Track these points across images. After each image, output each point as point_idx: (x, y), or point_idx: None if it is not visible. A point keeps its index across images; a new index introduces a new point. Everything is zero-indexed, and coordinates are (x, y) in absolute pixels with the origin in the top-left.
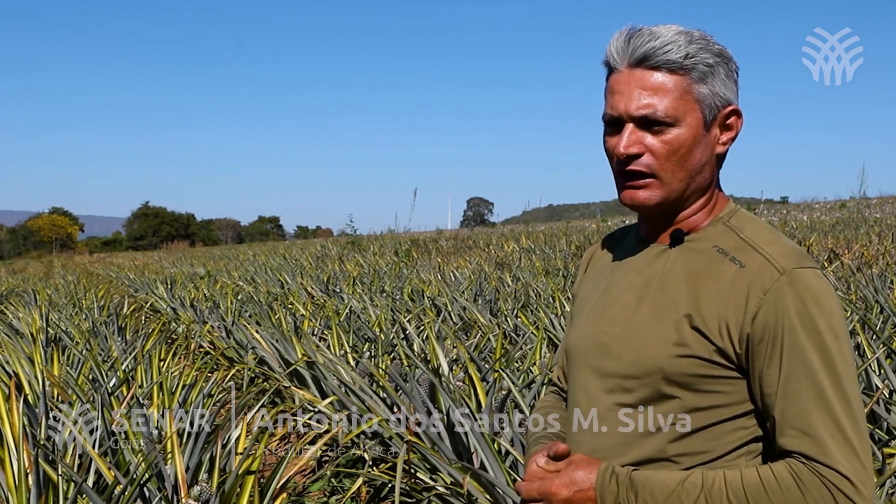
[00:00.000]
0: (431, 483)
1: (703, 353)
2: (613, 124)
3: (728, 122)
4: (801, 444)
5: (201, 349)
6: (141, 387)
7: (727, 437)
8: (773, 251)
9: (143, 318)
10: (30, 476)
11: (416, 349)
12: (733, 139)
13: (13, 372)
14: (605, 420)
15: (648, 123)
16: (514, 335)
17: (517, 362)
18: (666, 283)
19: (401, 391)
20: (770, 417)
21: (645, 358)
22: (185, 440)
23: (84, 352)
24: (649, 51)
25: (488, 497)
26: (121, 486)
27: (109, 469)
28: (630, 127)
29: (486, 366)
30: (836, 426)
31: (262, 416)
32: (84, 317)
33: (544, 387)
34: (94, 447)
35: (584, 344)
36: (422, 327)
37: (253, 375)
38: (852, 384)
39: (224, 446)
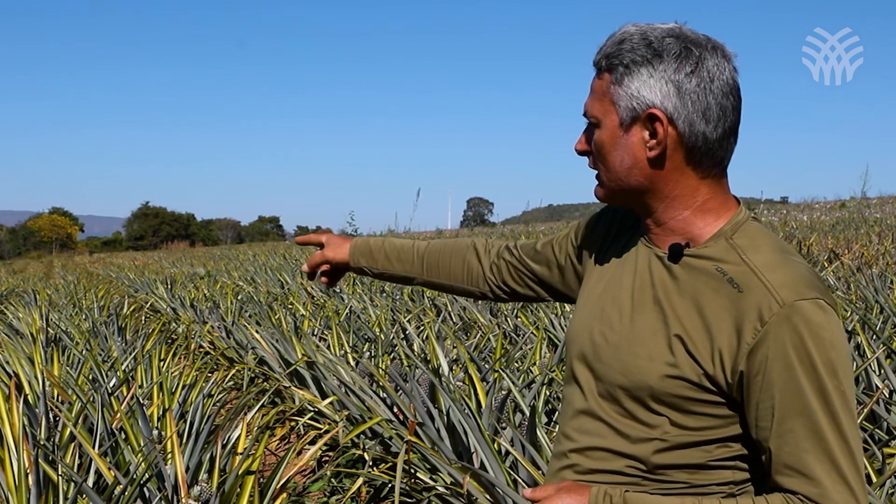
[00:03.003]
0: (431, 483)
1: (692, 376)
2: None
3: (654, 125)
4: (797, 483)
5: (201, 349)
6: (141, 387)
7: (712, 454)
8: (775, 279)
9: (143, 318)
10: (30, 476)
11: (416, 349)
12: (660, 145)
13: (13, 372)
14: (594, 419)
15: (589, 124)
16: (514, 335)
17: (517, 362)
18: (663, 297)
19: (401, 391)
20: (765, 451)
21: (635, 371)
22: (185, 440)
23: (84, 352)
24: (596, 54)
25: (488, 497)
26: (121, 486)
27: (109, 469)
28: (586, 126)
29: (486, 366)
30: (832, 466)
31: (262, 416)
32: (84, 317)
33: (543, 386)
34: (94, 447)
35: (581, 337)
36: (422, 327)
37: (253, 375)
38: (850, 422)
39: (224, 446)
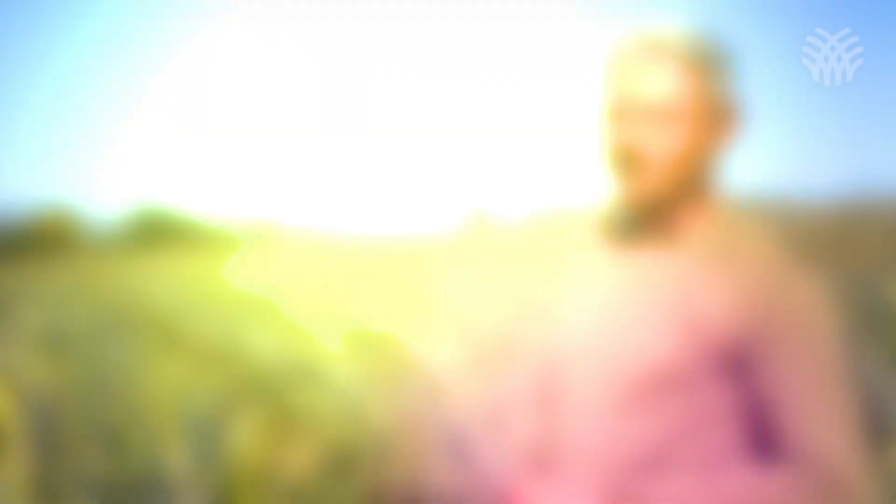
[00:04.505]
0: None
1: (699, 354)
2: (615, 112)
3: (731, 122)
4: (804, 445)
5: (201, 349)
6: (141, 387)
7: (723, 437)
8: (772, 254)
9: (143, 318)
10: (30, 476)
11: None
12: (733, 140)
13: (13, 372)
14: (596, 420)
15: (656, 115)
16: None
17: None
18: (662, 282)
19: None
20: (770, 419)
21: (640, 358)
22: (185, 440)
23: (84, 352)
24: (665, 40)
25: None
26: (121, 487)
27: (110, 469)
28: (636, 117)
29: None
30: (839, 429)
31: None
32: (84, 317)
33: None
34: (94, 447)
35: (572, 339)
36: None
37: (253, 376)
38: (849, 391)
39: (225, 446)
